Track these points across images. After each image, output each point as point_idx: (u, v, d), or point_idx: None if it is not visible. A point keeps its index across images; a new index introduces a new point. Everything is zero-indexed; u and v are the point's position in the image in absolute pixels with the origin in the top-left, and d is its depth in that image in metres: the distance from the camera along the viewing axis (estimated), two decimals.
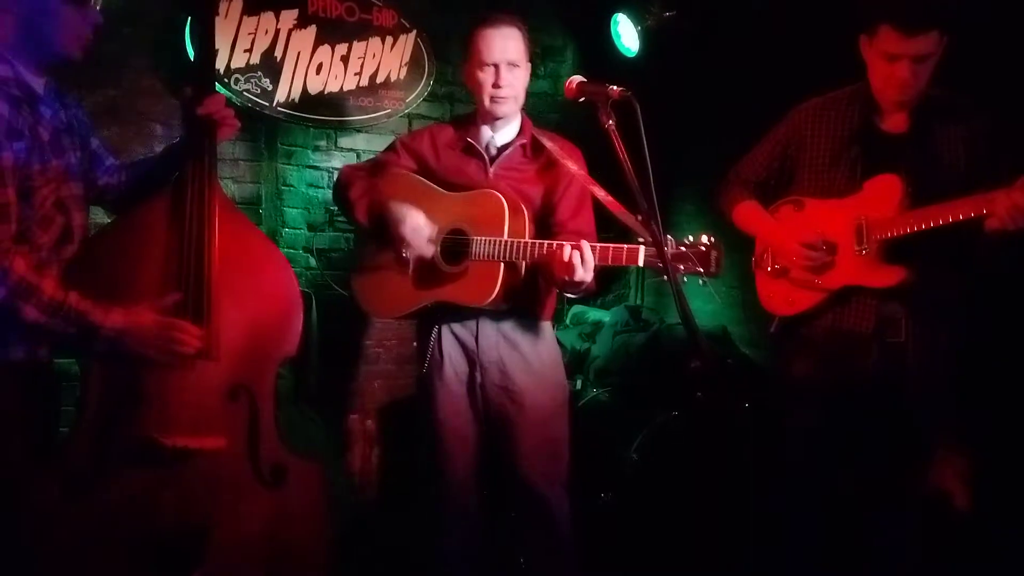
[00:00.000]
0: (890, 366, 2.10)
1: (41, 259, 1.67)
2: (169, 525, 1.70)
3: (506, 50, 2.13)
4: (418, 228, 2.09)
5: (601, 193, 2.03)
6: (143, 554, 1.69)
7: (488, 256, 2.05)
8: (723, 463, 2.83)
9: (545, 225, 2.17)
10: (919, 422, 2.11)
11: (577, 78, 1.89)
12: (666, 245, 1.77)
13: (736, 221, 2.38)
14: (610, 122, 1.77)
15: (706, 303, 3.63)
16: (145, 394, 1.70)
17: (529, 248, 2.01)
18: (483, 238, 2.06)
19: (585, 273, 1.92)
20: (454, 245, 2.11)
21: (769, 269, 2.24)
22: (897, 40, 1.96)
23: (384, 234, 2.13)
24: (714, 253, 1.77)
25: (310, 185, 3.41)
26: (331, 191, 3.42)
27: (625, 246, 1.92)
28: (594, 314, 3.65)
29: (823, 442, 2.18)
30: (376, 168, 2.28)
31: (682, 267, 1.78)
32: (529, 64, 2.20)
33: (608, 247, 1.95)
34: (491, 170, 2.19)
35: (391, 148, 2.35)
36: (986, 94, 2.23)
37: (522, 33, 2.17)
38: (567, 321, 3.66)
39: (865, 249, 2.06)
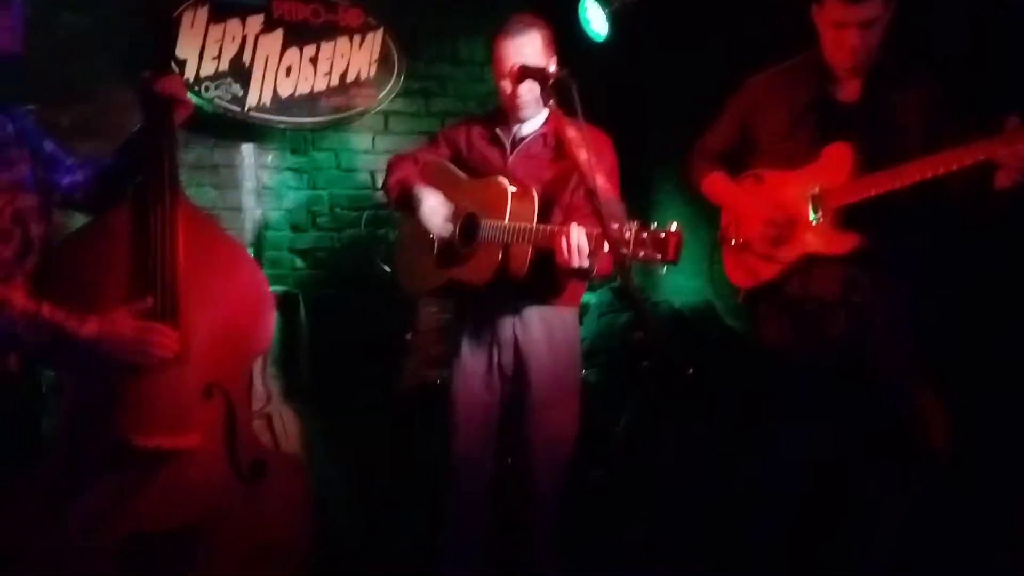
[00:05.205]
0: (857, 328, 2.12)
1: (3, 273, 1.70)
2: (154, 528, 1.74)
3: (529, 59, 2.13)
4: (435, 209, 2.23)
5: (599, 182, 1.98)
6: (131, 560, 1.73)
7: (492, 239, 2.15)
8: (711, 436, 2.86)
9: (570, 211, 2.19)
10: (891, 381, 2.13)
11: (519, 63, 1.93)
12: (628, 230, 1.80)
13: (705, 193, 2.42)
14: (551, 101, 1.80)
15: (690, 279, 3.65)
16: (119, 398, 1.73)
17: (527, 233, 2.08)
18: (488, 221, 2.17)
19: (581, 260, 1.93)
20: (468, 227, 2.24)
21: (733, 242, 2.27)
22: (843, 7, 1.99)
23: (412, 216, 2.27)
24: (673, 240, 1.77)
25: (290, 187, 3.46)
26: (311, 191, 3.52)
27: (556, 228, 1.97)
28: None
29: (800, 407, 2.20)
30: (419, 157, 2.42)
31: (642, 253, 1.80)
32: (553, 58, 2.20)
33: (546, 228, 2.02)
34: (510, 158, 2.29)
35: (433, 138, 2.49)
36: (937, 55, 2.25)
37: (540, 34, 2.19)
38: None
39: (821, 218, 2.08)
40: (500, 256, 2.13)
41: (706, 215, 2.61)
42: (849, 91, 2.14)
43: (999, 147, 1.82)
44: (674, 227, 1.77)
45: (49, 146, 1.93)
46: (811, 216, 2.10)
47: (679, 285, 3.71)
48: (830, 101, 2.15)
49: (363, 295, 3.47)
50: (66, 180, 1.94)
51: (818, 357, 2.17)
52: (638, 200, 2.11)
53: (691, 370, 2.14)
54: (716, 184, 2.35)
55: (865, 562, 2.24)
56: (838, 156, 2.08)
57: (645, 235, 1.78)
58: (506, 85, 2.19)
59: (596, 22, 3.59)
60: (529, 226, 2.09)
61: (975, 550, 2.29)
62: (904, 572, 2.19)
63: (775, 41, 2.34)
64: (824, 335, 2.14)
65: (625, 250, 1.78)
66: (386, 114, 3.60)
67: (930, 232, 2.12)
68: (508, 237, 2.11)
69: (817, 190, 2.08)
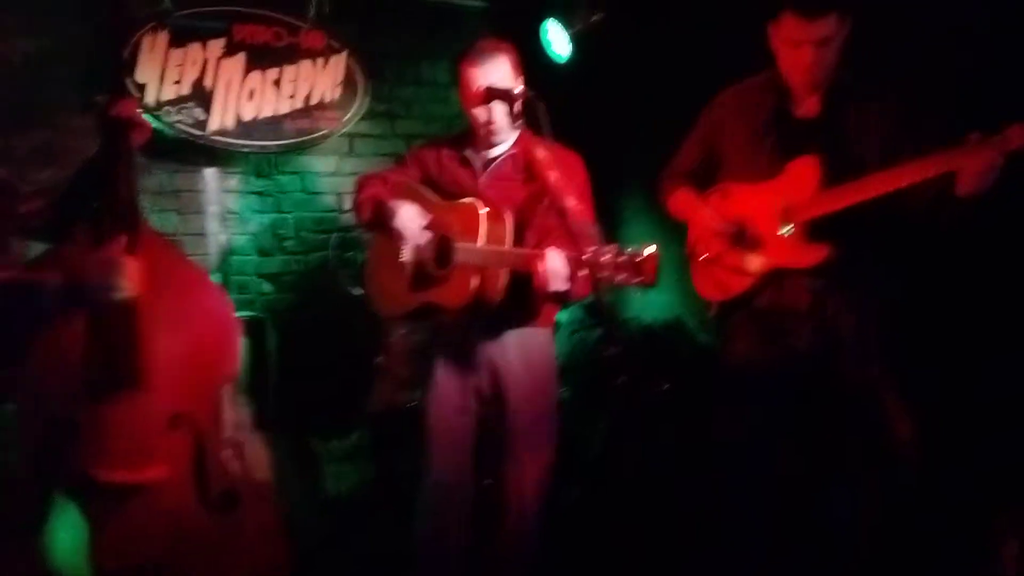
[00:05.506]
0: (826, 340, 2.14)
1: None
2: (121, 564, 1.67)
3: (498, 83, 2.10)
4: (411, 217, 2.18)
5: (570, 203, 1.98)
6: None
7: (466, 261, 2.13)
8: (687, 450, 2.87)
9: (545, 233, 2.18)
10: (859, 392, 2.15)
11: (485, 84, 1.93)
12: (606, 254, 1.80)
13: (672, 211, 2.44)
14: (518, 123, 1.80)
15: (660, 294, 3.66)
16: (81, 430, 1.68)
17: (503, 256, 2.07)
18: (463, 244, 2.14)
19: (558, 284, 1.93)
20: (443, 250, 2.21)
21: (701, 257, 2.29)
22: (798, 26, 2.01)
23: (385, 233, 2.23)
24: (650, 263, 1.77)
25: (255, 211, 3.42)
26: (277, 214, 3.49)
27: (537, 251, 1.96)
28: None
29: (768, 420, 2.21)
30: (388, 177, 2.38)
31: (620, 276, 1.80)
32: (520, 78, 2.19)
33: (522, 252, 2.01)
34: (480, 179, 2.27)
35: (402, 159, 2.46)
36: (896, 71, 2.30)
37: (507, 58, 2.18)
38: None
39: (788, 231, 2.10)
40: (476, 279, 2.11)
41: (675, 231, 2.63)
42: (808, 107, 2.16)
43: (961, 158, 1.86)
44: (651, 249, 1.77)
45: (2, 173, 1.89)
46: (779, 229, 2.11)
47: (649, 301, 3.73)
48: (789, 117, 2.17)
49: (332, 319, 3.44)
50: (22, 208, 1.89)
51: (787, 369, 2.18)
52: (605, 219, 2.12)
53: (666, 385, 2.15)
54: (681, 201, 2.37)
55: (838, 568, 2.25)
56: (803, 170, 2.10)
57: (623, 258, 1.78)
58: (480, 113, 2.17)
59: (558, 43, 3.63)
60: (504, 249, 2.08)
61: (944, 559, 2.31)
62: None
63: (740, 58, 2.38)
64: (793, 347, 2.16)
65: (603, 273, 1.77)
66: (351, 136, 3.58)
67: (896, 242, 2.15)
68: (483, 260, 2.09)
69: (785, 204, 2.10)
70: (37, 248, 2.00)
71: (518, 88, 1.91)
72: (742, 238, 2.18)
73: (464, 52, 2.19)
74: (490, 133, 2.22)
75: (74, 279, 1.66)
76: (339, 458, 3.44)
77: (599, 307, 1.64)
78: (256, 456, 2.86)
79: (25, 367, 1.67)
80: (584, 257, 1.78)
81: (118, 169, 1.83)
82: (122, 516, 1.68)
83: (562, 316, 3.68)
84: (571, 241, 1.81)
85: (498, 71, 2.14)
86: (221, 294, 1.95)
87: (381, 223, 2.24)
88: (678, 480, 2.83)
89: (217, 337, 1.89)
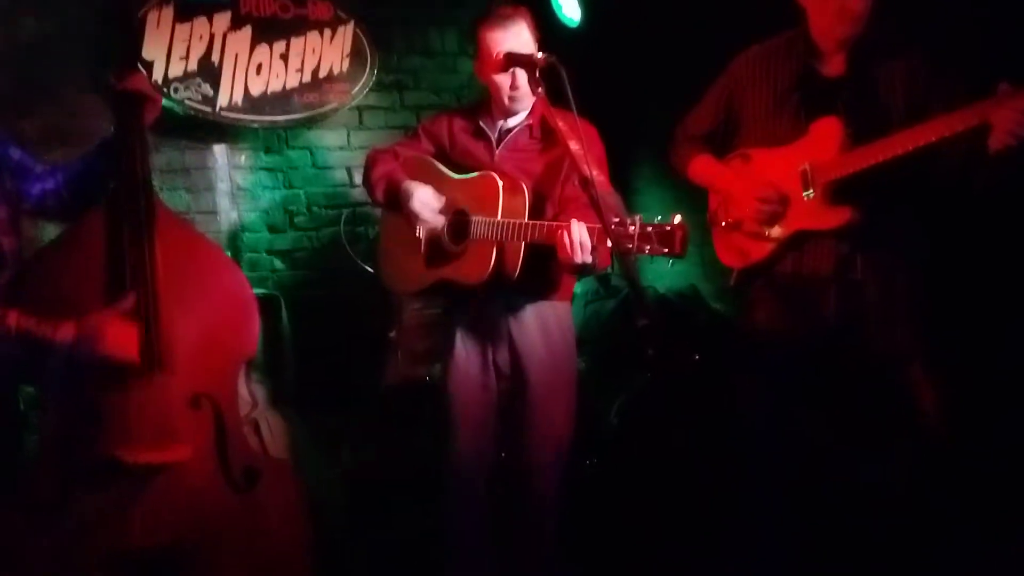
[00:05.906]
0: (851, 305, 2.11)
1: None
2: (146, 544, 1.68)
3: (519, 49, 2.07)
4: (426, 201, 2.17)
5: (593, 173, 1.91)
6: None
7: (484, 236, 2.10)
8: (704, 421, 2.86)
9: (562, 202, 2.17)
10: (884, 358, 2.13)
11: (504, 50, 1.89)
12: (633, 225, 1.76)
13: (692, 177, 2.39)
14: (539, 90, 1.77)
15: (675, 262, 3.63)
16: (104, 413, 1.68)
17: (522, 229, 2.04)
18: (480, 218, 2.12)
19: (584, 255, 1.90)
20: (458, 225, 2.19)
21: (723, 223, 2.26)
22: None
23: (399, 212, 2.22)
24: (679, 233, 1.74)
25: (265, 187, 3.40)
26: (287, 190, 3.46)
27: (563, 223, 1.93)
28: None
29: (791, 390, 2.19)
30: (399, 151, 2.36)
31: (648, 248, 1.76)
32: (536, 45, 2.15)
33: (544, 224, 1.97)
34: (497, 152, 2.24)
35: (413, 133, 2.42)
36: (922, 24, 2.24)
37: (526, 23, 2.14)
38: None
39: (811, 193, 2.06)
40: (494, 254, 2.09)
41: (689, 199, 2.59)
42: (834, 66, 2.11)
43: (991, 109, 1.80)
44: (678, 219, 1.74)
45: (16, 154, 1.86)
46: (803, 192, 2.07)
47: (663, 270, 3.69)
48: (815, 77, 2.12)
49: (345, 294, 3.43)
50: (37, 188, 1.88)
51: (810, 336, 2.15)
52: (619, 189, 2.09)
53: (697, 356, 2.13)
54: (704, 167, 2.33)
55: (861, 541, 2.24)
56: (826, 131, 2.05)
57: (650, 229, 1.75)
58: (503, 78, 2.12)
59: (568, 7, 3.56)
60: (525, 222, 2.05)
61: (974, 530, 2.29)
62: (903, 551, 2.20)
63: (750, 21, 2.32)
64: (818, 313, 2.13)
65: (630, 245, 1.74)
66: (360, 109, 3.54)
67: (924, 203, 2.10)
68: (503, 234, 2.07)
69: (807, 166, 2.06)
70: (50, 230, 2.00)
71: (539, 54, 1.86)
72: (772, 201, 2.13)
73: (482, 17, 2.15)
74: (513, 99, 2.17)
75: (90, 352, 1.63)
76: (355, 433, 3.45)
77: (630, 279, 1.60)
78: (274, 433, 2.88)
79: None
80: (611, 228, 1.74)
81: (131, 145, 1.80)
82: (148, 496, 1.68)
83: (576, 287, 3.66)
84: (591, 212, 1.77)
85: (519, 36, 2.11)
86: (237, 272, 1.93)
87: (395, 204, 2.22)
88: (696, 451, 2.83)
89: (235, 315, 1.87)
